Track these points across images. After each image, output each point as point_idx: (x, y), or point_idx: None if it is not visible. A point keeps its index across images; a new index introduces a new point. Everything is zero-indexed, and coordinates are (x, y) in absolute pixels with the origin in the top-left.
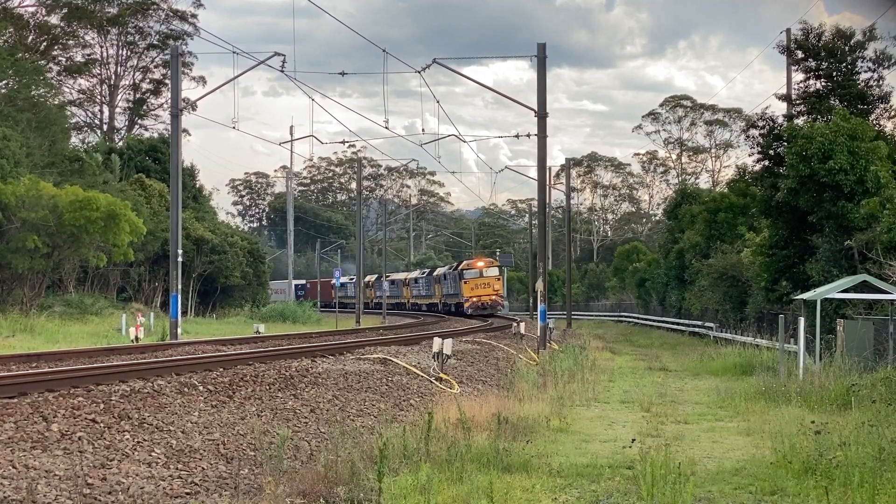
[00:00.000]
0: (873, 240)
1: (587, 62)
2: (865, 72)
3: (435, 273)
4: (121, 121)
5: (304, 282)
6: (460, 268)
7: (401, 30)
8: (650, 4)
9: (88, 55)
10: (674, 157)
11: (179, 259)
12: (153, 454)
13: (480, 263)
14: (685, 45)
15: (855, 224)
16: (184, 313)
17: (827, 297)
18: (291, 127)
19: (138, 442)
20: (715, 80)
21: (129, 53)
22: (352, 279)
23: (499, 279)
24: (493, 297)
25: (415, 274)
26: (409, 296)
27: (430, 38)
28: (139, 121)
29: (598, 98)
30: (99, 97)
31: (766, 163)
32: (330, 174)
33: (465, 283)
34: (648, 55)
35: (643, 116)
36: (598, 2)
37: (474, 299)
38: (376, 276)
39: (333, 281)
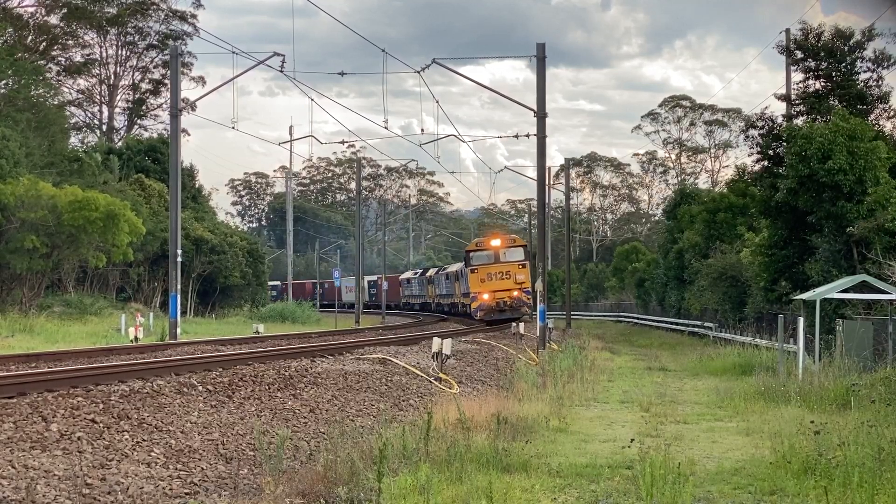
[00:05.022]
0: (875, 230)
1: (583, 62)
2: (865, 72)
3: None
4: (120, 121)
5: (375, 278)
6: (467, 250)
7: (397, 29)
8: (646, 4)
9: (88, 55)
10: (673, 157)
11: (179, 259)
12: (152, 454)
13: (496, 242)
14: (682, 45)
15: (855, 221)
16: (183, 313)
17: (826, 297)
18: (291, 127)
19: (137, 442)
20: (711, 80)
21: (128, 53)
22: (416, 274)
23: (524, 266)
24: (516, 292)
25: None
26: (458, 293)
27: (426, 38)
28: (138, 121)
29: (595, 98)
30: (98, 97)
31: (766, 163)
32: (329, 174)
33: (474, 272)
34: (645, 55)
35: (642, 116)
36: (594, 1)
37: (486, 297)
38: (436, 269)
39: (400, 277)
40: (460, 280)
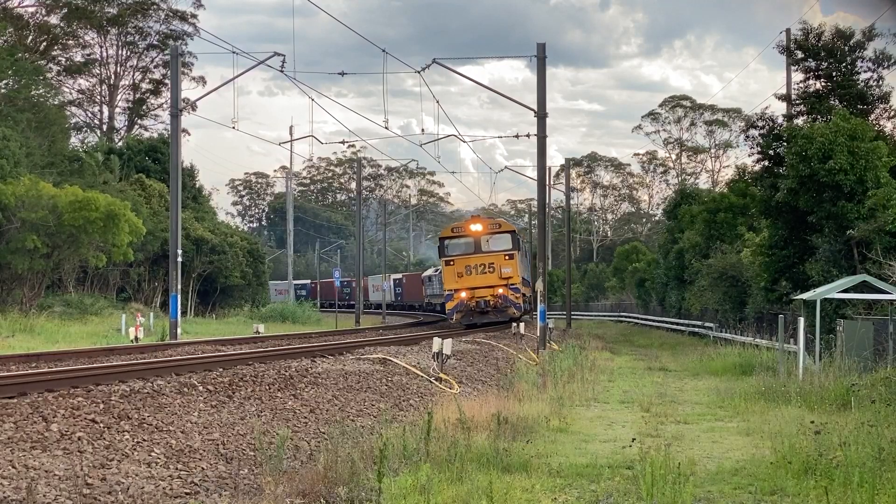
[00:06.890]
0: (876, 231)
1: (582, 62)
2: (865, 72)
3: None
4: (120, 121)
5: (400, 276)
6: (441, 237)
7: (396, 29)
8: (645, 4)
9: (88, 55)
10: (673, 157)
11: (179, 259)
12: (153, 454)
13: (476, 227)
14: (681, 45)
15: (855, 223)
16: (183, 313)
17: (827, 297)
18: (291, 127)
19: (138, 442)
20: (710, 80)
21: (128, 53)
22: (437, 271)
23: (511, 256)
24: (501, 289)
25: None
26: None
27: (424, 38)
28: (139, 121)
29: (594, 98)
30: (99, 97)
31: (766, 163)
32: (329, 174)
33: (450, 264)
34: (644, 55)
35: (643, 116)
36: (592, 1)
37: (464, 295)
38: None
39: (423, 275)
40: None
